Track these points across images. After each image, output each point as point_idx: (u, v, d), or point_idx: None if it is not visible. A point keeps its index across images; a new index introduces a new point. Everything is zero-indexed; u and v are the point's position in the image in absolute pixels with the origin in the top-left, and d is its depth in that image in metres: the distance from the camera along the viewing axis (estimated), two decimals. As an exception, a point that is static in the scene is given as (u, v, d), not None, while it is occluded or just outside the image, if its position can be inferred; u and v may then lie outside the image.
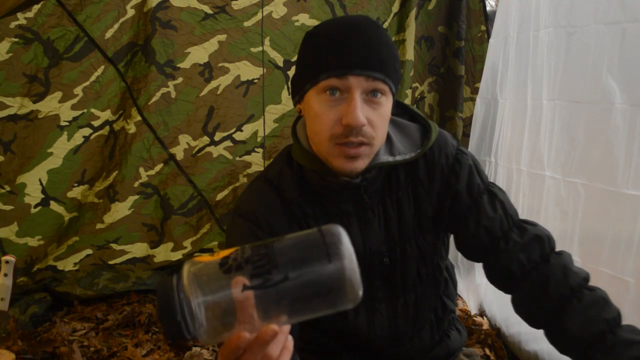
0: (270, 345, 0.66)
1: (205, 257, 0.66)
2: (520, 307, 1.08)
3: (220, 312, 0.61)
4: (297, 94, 1.03)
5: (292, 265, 0.63)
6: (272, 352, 0.67)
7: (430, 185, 1.09)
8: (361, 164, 0.98)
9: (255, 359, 0.66)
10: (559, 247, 1.08)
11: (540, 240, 1.05)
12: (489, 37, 2.70)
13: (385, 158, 1.04)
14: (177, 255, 2.75)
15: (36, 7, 2.19)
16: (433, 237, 1.13)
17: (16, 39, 2.20)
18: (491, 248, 1.08)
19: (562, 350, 1.02)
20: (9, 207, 2.35)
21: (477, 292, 2.48)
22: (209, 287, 0.62)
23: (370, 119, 0.94)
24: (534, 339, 1.93)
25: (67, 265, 2.54)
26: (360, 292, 0.64)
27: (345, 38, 0.93)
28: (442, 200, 1.10)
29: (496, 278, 1.11)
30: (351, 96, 0.93)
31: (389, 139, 1.06)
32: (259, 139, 2.74)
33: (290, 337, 0.69)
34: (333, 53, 0.93)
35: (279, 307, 0.63)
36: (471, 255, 1.14)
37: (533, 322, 1.07)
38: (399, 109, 1.14)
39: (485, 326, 2.29)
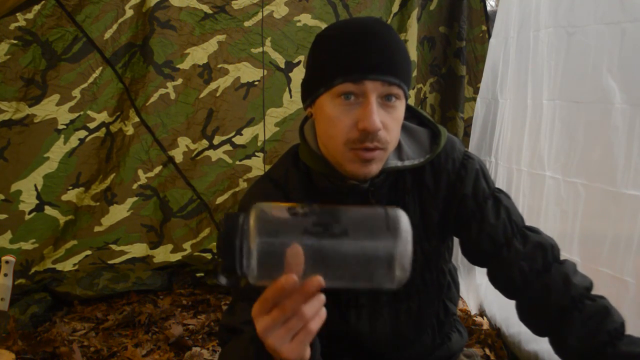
0: (307, 303, 0.67)
1: (275, 202, 0.70)
2: (524, 316, 1.09)
3: (276, 251, 0.65)
4: (309, 98, 1.02)
5: (353, 226, 0.67)
6: (307, 311, 0.68)
7: (436, 190, 1.09)
8: (375, 168, 0.98)
9: (292, 308, 0.67)
10: (559, 247, 1.08)
11: (543, 249, 1.05)
12: (489, 37, 2.70)
13: (394, 163, 1.04)
14: (177, 257, 2.74)
15: (36, 8, 2.18)
16: (438, 242, 1.12)
17: (15, 41, 2.19)
18: (493, 255, 1.08)
19: None
20: (3, 216, 2.33)
21: (477, 292, 2.48)
22: (272, 224, 0.66)
23: (385, 123, 0.93)
24: (534, 339, 1.92)
25: (67, 265, 2.54)
26: (407, 275, 0.67)
27: (361, 41, 0.92)
28: (448, 205, 1.10)
29: (499, 285, 1.11)
30: (367, 100, 0.92)
31: (397, 143, 1.06)
32: (259, 143, 2.71)
33: (324, 310, 0.70)
34: (349, 57, 0.92)
35: (329, 263, 0.66)
36: (475, 260, 1.14)
37: (536, 331, 1.08)
38: (407, 112, 1.13)
39: (485, 326, 2.29)
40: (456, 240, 1.19)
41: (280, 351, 0.70)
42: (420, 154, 1.07)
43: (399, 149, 1.06)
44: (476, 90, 2.84)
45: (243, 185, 2.74)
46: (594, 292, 1.03)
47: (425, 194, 1.09)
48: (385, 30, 0.95)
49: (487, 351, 2.13)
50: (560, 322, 0.99)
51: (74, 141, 2.42)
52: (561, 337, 0.99)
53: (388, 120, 0.94)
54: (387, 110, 0.94)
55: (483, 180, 1.10)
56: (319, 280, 0.66)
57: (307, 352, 0.73)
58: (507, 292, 1.10)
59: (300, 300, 0.67)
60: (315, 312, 0.69)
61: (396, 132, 0.98)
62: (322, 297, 0.69)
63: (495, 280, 1.11)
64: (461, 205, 1.09)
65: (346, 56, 0.92)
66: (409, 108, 1.12)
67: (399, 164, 1.04)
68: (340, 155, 0.97)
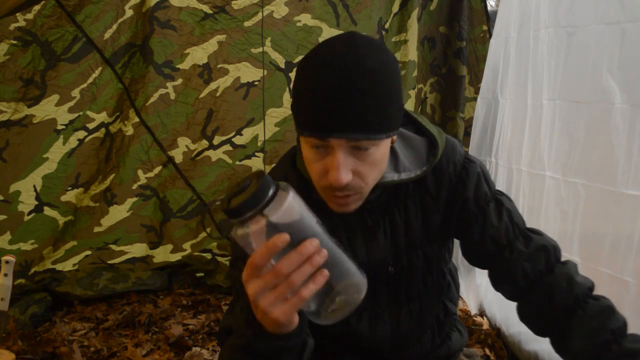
0: (297, 269, 0.69)
1: None
2: (526, 317, 1.09)
3: (299, 212, 0.72)
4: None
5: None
6: (295, 277, 0.70)
7: (438, 194, 1.08)
8: (353, 207, 0.97)
9: (286, 271, 0.69)
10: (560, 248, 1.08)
11: (546, 250, 1.05)
12: (490, 37, 2.70)
13: (390, 176, 1.03)
14: (177, 257, 2.74)
15: (36, 9, 2.18)
16: (439, 244, 1.12)
17: (14, 41, 2.19)
18: (496, 256, 1.08)
19: None
20: (2, 217, 2.33)
21: (477, 292, 2.48)
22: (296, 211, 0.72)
23: (357, 171, 0.91)
24: (534, 339, 1.92)
25: (67, 265, 2.54)
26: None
27: (329, 96, 0.86)
28: (450, 208, 1.09)
29: (501, 286, 1.11)
30: (333, 155, 0.89)
31: (394, 154, 1.04)
32: (259, 144, 2.71)
33: (322, 277, 0.72)
34: (315, 113, 0.88)
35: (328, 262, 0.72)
36: (476, 262, 1.14)
37: (538, 332, 1.07)
38: (404, 118, 1.10)
39: (485, 326, 2.29)
40: (456, 241, 1.19)
41: (271, 313, 0.72)
42: (417, 165, 1.05)
43: (395, 159, 1.05)
44: (477, 90, 2.84)
45: (243, 185, 2.73)
46: (595, 292, 1.03)
47: (427, 197, 1.09)
48: (364, 75, 0.86)
49: (487, 351, 2.13)
50: (563, 321, 1.00)
51: (73, 142, 2.42)
52: (564, 336, 0.99)
53: (361, 168, 0.91)
54: (360, 157, 0.90)
55: (484, 183, 1.10)
56: (317, 242, 0.69)
57: (296, 319, 0.76)
58: (510, 294, 1.10)
59: (296, 261, 0.69)
60: (304, 277, 0.70)
61: (374, 174, 0.94)
62: (315, 262, 0.70)
63: (498, 282, 1.11)
64: (463, 208, 1.09)
65: (313, 112, 0.88)
66: (406, 115, 1.10)
67: (396, 177, 1.03)
68: (319, 190, 0.97)
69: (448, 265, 1.21)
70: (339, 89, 0.86)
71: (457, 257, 2.41)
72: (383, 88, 0.88)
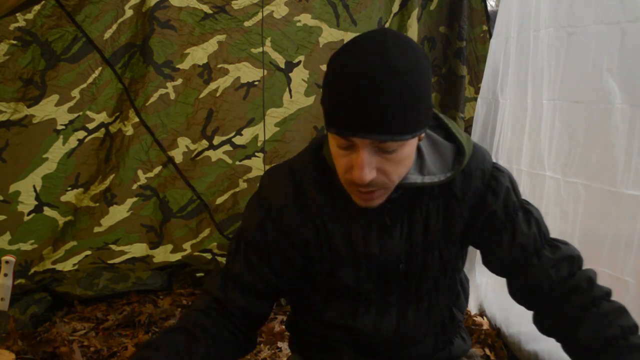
0: None
1: None
2: (542, 320, 1.10)
3: None
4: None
5: None
6: None
7: (464, 198, 1.07)
8: (377, 202, 0.97)
9: None
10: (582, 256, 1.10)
11: (571, 260, 1.07)
12: (490, 37, 2.70)
13: (414, 178, 1.01)
14: (177, 257, 2.74)
15: (36, 9, 2.18)
16: (458, 249, 1.12)
17: (14, 41, 2.19)
18: (523, 264, 1.08)
19: (576, 358, 1.03)
20: (2, 217, 2.33)
21: (477, 292, 2.48)
22: None
23: (381, 168, 0.91)
24: (533, 339, 1.93)
25: (67, 265, 2.54)
26: None
27: (354, 95, 0.86)
28: (475, 215, 1.09)
29: (521, 293, 1.11)
30: (357, 152, 0.89)
31: (420, 156, 1.03)
32: (259, 144, 2.71)
33: None
34: (339, 112, 0.88)
35: None
36: (500, 270, 1.14)
37: (551, 333, 1.09)
38: (434, 120, 1.08)
39: (485, 326, 2.29)
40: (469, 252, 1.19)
41: None
42: (442, 170, 1.04)
43: (421, 161, 1.03)
44: (477, 90, 2.84)
45: (243, 185, 2.73)
46: None
47: (453, 201, 1.07)
48: (391, 76, 0.84)
49: (487, 351, 2.13)
50: (578, 319, 1.01)
51: (73, 142, 2.42)
52: (576, 332, 1.01)
53: (385, 166, 0.91)
54: (385, 155, 0.90)
55: (513, 193, 1.10)
56: None
57: None
58: (530, 301, 1.11)
59: None
60: None
61: (399, 171, 0.94)
62: None
63: (519, 289, 1.11)
64: (490, 219, 1.08)
65: (338, 110, 0.88)
66: (436, 117, 1.09)
67: (419, 180, 1.02)
68: (344, 183, 0.97)
69: (460, 274, 1.21)
70: (365, 90, 0.85)
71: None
72: (411, 89, 0.87)
